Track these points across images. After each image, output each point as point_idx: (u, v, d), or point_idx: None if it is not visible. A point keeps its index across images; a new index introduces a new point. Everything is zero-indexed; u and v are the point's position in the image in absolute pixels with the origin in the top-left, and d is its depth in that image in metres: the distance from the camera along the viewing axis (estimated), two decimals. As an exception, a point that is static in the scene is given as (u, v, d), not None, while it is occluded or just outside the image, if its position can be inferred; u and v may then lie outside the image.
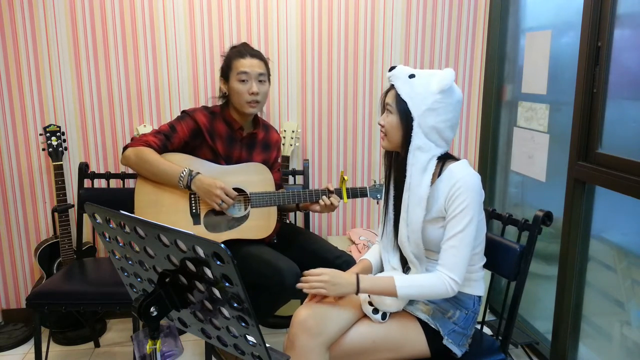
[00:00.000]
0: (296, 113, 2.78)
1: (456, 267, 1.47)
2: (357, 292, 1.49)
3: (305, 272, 1.56)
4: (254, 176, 2.07)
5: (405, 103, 1.50)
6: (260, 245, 2.05)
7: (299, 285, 1.54)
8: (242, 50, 2.07)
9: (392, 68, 1.56)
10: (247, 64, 2.02)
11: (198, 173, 1.97)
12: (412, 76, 1.51)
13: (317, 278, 1.50)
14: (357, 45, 2.75)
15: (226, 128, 2.09)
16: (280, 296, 1.96)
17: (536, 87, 2.42)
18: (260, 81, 2.04)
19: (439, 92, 1.49)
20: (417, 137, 1.50)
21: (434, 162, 1.52)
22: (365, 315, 1.57)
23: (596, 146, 1.96)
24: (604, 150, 1.95)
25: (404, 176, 1.60)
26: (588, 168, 1.97)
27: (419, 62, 2.81)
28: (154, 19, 2.59)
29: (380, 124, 1.58)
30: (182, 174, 1.95)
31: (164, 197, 2.01)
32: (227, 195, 1.96)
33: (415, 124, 1.50)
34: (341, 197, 2.06)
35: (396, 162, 1.62)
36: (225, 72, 2.08)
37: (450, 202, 1.48)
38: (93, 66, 2.60)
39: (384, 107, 1.58)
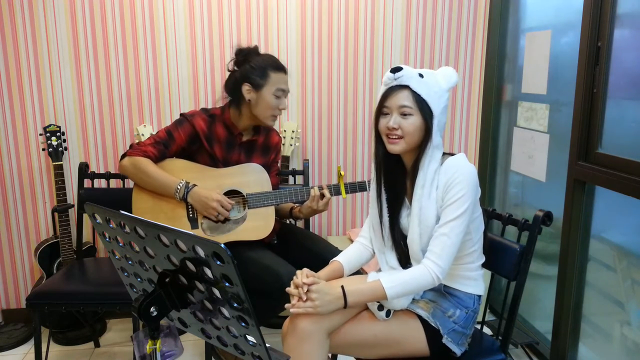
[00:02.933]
0: (296, 113, 2.78)
1: (444, 254, 1.46)
2: (345, 305, 1.47)
3: (291, 291, 1.50)
4: (250, 177, 2.06)
5: (426, 102, 1.49)
6: (260, 249, 2.04)
7: (287, 306, 1.49)
8: (279, 63, 2.02)
9: (395, 70, 1.49)
10: (285, 80, 2.02)
11: (194, 185, 1.97)
12: (421, 75, 1.50)
13: (307, 297, 1.46)
14: (357, 45, 2.75)
15: (225, 132, 2.07)
16: (279, 301, 1.95)
17: (536, 87, 2.42)
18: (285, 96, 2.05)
19: (447, 90, 1.53)
20: (436, 136, 1.51)
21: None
22: (367, 308, 1.57)
23: (596, 146, 1.96)
24: (604, 150, 1.95)
25: (399, 177, 1.60)
26: (588, 168, 1.97)
27: (419, 62, 2.81)
28: (154, 19, 2.59)
29: (392, 128, 1.50)
30: (178, 187, 1.95)
31: (161, 203, 2.01)
32: (223, 206, 1.96)
33: (435, 122, 1.50)
34: (339, 194, 2.05)
35: (388, 164, 1.61)
36: (257, 82, 1.98)
37: (448, 190, 1.48)
38: (93, 66, 2.60)
39: (396, 111, 1.50)
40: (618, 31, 1.88)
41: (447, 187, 1.48)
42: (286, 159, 2.66)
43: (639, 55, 1.81)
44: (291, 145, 2.65)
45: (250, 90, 1.99)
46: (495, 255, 1.68)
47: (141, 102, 2.66)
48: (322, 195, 2.02)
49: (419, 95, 1.48)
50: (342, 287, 1.48)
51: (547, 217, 1.60)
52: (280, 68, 2.01)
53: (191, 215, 2.01)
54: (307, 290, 1.46)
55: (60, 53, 2.56)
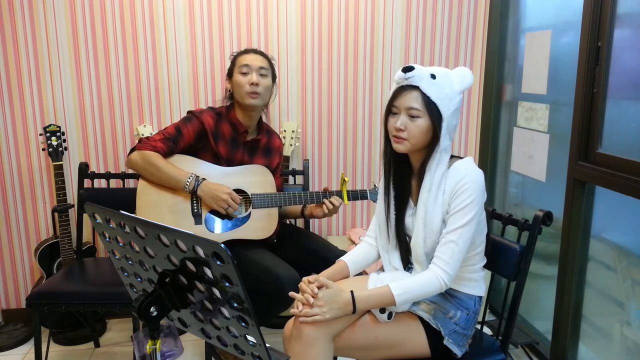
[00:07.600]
0: (296, 113, 2.78)
1: (452, 261, 1.47)
2: (354, 311, 1.47)
3: (296, 296, 1.50)
4: (255, 177, 2.08)
5: (435, 105, 1.46)
6: (260, 250, 2.05)
7: (293, 311, 1.49)
8: (246, 48, 2.16)
9: (407, 69, 1.46)
10: (249, 58, 2.08)
11: (204, 179, 1.99)
12: (433, 76, 1.46)
13: (314, 303, 1.46)
14: (357, 45, 2.75)
15: (231, 130, 2.10)
16: (279, 303, 1.95)
17: (536, 87, 2.42)
18: (261, 75, 2.07)
19: (460, 92, 1.49)
20: (445, 139, 1.48)
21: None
22: (369, 311, 1.57)
23: (596, 146, 1.96)
24: (604, 150, 1.95)
25: (405, 176, 1.59)
26: (588, 168, 1.97)
27: (419, 62, 2.80)
28: (154, 19, 2.59)
29: (399, 129, 1.49)
30: (188, 180, 1.96)
31: (166, 196, 2.02)
32: (233, 199, 1.98)
33: (444, 125, 1.47)
34: (341, 199, 2.07)
35: (397, 163, 1.61)
36: (230, 71, 2.13)
37: (456, 196, 1.47)
38: (93, 66, 2.60)
39: (404, 112, 1.48)
40: (618, 31, 1.88)
41: (454, 192, 1.47)
42: (286, 159, 2.66)
43: (639, 55, 1.81)
44: (291, 145, 2.65)
45: (228, 81, 2.14)
46: (496, 256, 1.68)
47: (141, 102, 2.66)
48: (331, 203, 2.05)
49: (428, 98, 1.46)
50: (352, 292, 1.48)
51: (547, 217, 1.60)
52: (247, 51, 2.13)
53: (195, 211, 2.02)
54: (314, 297, 1.46)
55: (60, 53, 2.56)
